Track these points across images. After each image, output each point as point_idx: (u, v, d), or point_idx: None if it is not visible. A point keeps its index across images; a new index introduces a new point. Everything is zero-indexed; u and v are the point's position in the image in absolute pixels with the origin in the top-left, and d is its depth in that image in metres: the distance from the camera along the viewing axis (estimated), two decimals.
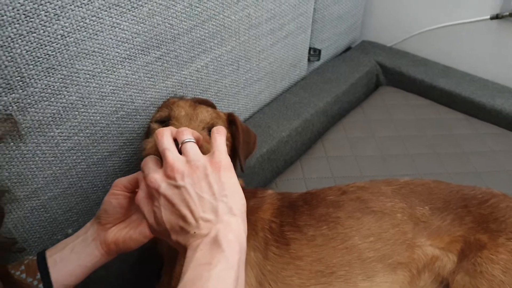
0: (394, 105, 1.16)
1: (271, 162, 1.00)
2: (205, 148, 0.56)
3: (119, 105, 0.71)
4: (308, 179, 0.96)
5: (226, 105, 0.96)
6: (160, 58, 0.74)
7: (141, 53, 0.70)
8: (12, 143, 0.60)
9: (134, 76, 0.71)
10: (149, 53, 0.71)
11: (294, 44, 1.08)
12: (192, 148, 0.50)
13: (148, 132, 0.75)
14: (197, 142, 0.52)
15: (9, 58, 0.54)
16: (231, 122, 0.75)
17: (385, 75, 1.28)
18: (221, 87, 0.91)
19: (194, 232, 0.45)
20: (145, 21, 0.68)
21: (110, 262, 0.63)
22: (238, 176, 0.80)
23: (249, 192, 0.76)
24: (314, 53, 1.20)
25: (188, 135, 0.52)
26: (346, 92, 1.19)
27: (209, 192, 0.47)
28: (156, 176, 0.48)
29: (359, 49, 1.34)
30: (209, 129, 0.68)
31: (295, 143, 1.06)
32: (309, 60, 1.21)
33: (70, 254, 0.59)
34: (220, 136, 0.52)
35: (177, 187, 0.47)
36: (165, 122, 0.69)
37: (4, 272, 0.38)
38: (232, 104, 0.98)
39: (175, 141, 0.52)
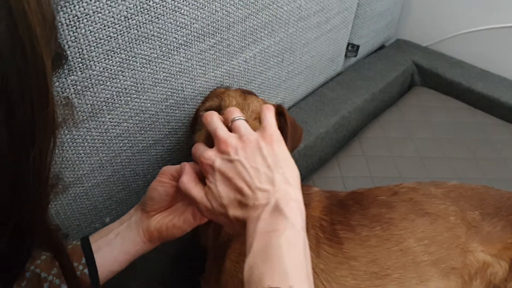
0: (431, 107, 1.13)
1: (307, 159, 0.98)
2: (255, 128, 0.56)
3: (169, 93, 0.69)
4: (346, 178, 0.94)
5: (266, 98, 0.93)
6: (214, 46, 0.71)
7: (196, 40, 0.67)
8: (65, 127, 0.58)
9: (187, 64, 0.68)
10: (204, 40, 0.69)
11: (336, 38, 1.05)
12: (242, 124, 0.51)
13: (195, 122, 0.73)
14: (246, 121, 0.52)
15: (73, 38, 0.51)
16: (279, 113, 0.73)
17: (420, 75, 1.26)
18: (265, 79, 0.89)
19: (254, 204, 0.45)
20: (205, 7, 0.65)
21: (151, 253, 0.61)
22: None
23: None
24: (352, 48, 1.17)
25: (237, 113, 0.53)
26: (383, 91, 1.16)
27: (264, 164, 0.47)
28: (210, 153, 0.49)
29: (394, 47, 1.31)
30: (260, 120, 0.66)
31: (331, 140, 1.04)
32: (346, 55, 1.18)
33: (114, 240, 0.58)
34: (269, 112, 0.53)
35: (231, 161, 0.47)
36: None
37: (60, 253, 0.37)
38: (272, 97, 0.95)
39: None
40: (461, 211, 0.68)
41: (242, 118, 0.52)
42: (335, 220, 0.66)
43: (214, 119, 0.53)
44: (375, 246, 0.62)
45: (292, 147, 0.73)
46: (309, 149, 0.97)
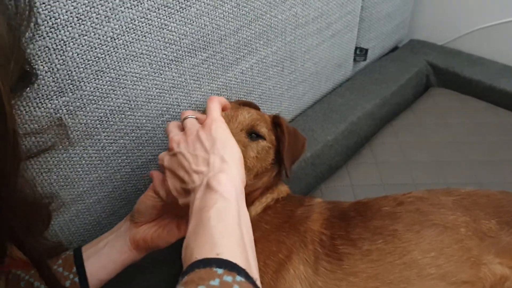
0: (448, 108, 1.09)
1: (315, 168, 0.96)
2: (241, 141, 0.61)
3: (165, 108, 0.70)
4: (356, 186, 0.91)
5: (269, 108, 0.93)
6: (207, 60, 0.72)
7: (188, 55, 0.68)
8: (61, 147, 0.60)
9: (180, 79, 0.69)
10: (196, 55, 0.69)
11: (340, 43, 1.04)
12: (189, 121, 0.56)
13: None
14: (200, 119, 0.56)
15: (61, 61, 0.53)
16: (276, 124, 0.72)
17: (436, 75, 1.21)
18: (265, 89, 0.89)
19: (192, 187, 0.48)
20: (193, 22, 0.66)
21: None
22: (284, 182, 0.77)
23: (296, 200, 0.73)
24: (360, 52, 1.14)
25: (187, 113, 0.58)
26: (395, 94, 1.13)
27: (202, 149, 0.50)
28: (161, 155, 0.56)
29: (407, 48, 1.27)
30: (249, 132, 0.66)
31: (341, 148, 1.02)
32: (355, 60, 1.16)
33: (103, 249, 0.60)
34: (212, 102, 0.56)
35: (175, 154, 0.52)
36: None
37: (40, 263, 0.39)
38: (276, 106, 0.95)
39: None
40: (473, 221, 0.63)
41: (191, 116, 0.57)
42: (336, 234, 0.64)
43: (170, 127, 0.58)
44: (376, 260, 0.59)
45: (293, 158, 0.72)
46: (316, 157, 0.95)
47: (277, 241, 0.63)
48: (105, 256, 0.60)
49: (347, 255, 0.60)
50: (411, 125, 1.05)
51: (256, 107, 0.83)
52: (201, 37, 0.68)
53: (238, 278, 0.37)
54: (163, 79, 0.67)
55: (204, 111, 0.75)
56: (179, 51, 0.66)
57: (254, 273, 0.40)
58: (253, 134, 0.67)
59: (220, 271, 0.37)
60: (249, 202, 0.69)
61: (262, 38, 0.80)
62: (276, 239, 0.63)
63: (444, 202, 0.66)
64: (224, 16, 0.70)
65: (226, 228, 0.42)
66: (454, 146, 0.97)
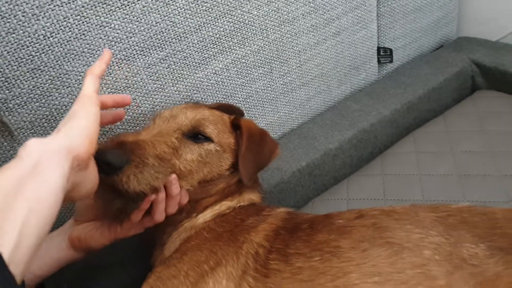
0: (490, 113, 0.89)
1: (314, 179, 0.86)
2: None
3: (122, 109, 0.69)
4: (351, 201, 0.79)
5: (261, 113, 0.86)
6: (165, 59, 0.69)
7: (140, 54, 0.67)
8: (5, 143, 0.62)
9: (135, 78, 0.68)
10: (151, 54, 0.68)
11: (351, 42, 0.93)
12: None
13: None
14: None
15: None
16: (236, 126, 0.66)
17: (484, 77, 1.01)
18: (251, 92, 0.83)
19: None
20: (140, 19, 0.64)
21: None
22: (258, 192, 0.70)
23: (254, 210, 0.65)
24: (384, 53, 1.02)
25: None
26: (425, 98, 0.97)
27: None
28: None
29: (450, 46, 1.09)
30: (191, 133, 0.61)
31: (349, 158, 0.90)
32: (379, 62, 1.03)
33: (43, 244, 0.59)
34: (85, 77, 0.52)
35: None
36: None
37: None
38: (270, 112, 0.88)
39: None
40: (451, 244, 0.49)
41: None
42: (274, 247, 0.55)
43: None
44: (305, 280, 0.48)
45: (256, 164, 0.65)
46: (314, 167, 0.85)
47: (209, 251, 0.56)
48: (45, 252, 0.59)
49: (276, 272, 0.51)
50: (437, 133, 0.88)
51: (236, 111, 0.78)
52: (153, 35, 0.66)
53: None
54: (113, 78, 0.66)
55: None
56: (127, 49, 0.65)
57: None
58: (200, 136, 0.62)
59: None
60: (199, 209, 0.64)
61: (235, 36, 0.75)
62: (210, 248, 0.57)
63: (419, 218, 0.53)
64: (179, 12, 0.67)
65: None
66: (486, 157, 0.79)
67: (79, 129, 0.45)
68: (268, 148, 0.67)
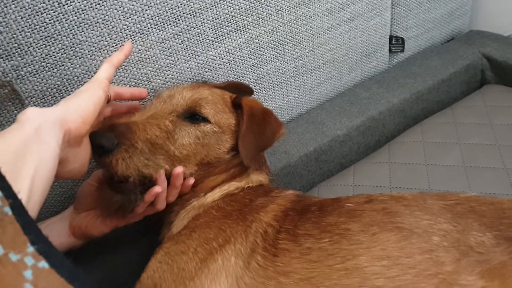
0: (498, 107, 0.89)
1: (320, 164, 0.86)
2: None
3: (133, 83, 0.68)
4: (357, 187, 0.79)
5: (271, 96, 0.86)
6: (179, 35, 0.68)
7: (155, 28, 0.66)
8: (16, 111, 0.62)
9: (148, 53, 0.67)
10: (165, 28, 0.67)
11: (364, 29, 0.92)
12: None
13: None
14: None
15: (4, 23, 0.54)
16: (237, 105, 0.65)
17: (493, 71, 1.01)
18: (262, 73, 0.82)
19: None
20: None
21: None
22: (266, 174, 0.70)
23: (263, 190, 0.65)
24: (396, 42, 1.01)
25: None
26: (434, 90, 0.96)
27: None
28: None
29: (462, 39, 1.08)
30: (187, 113, 0.61)
31: (356, 145, 0.90)
32: (391, 50, 1.02)
33: (43, 230, 0.59)
34: (102, 64, 0.56)
35: None
36: None
37: None
38: (280, 95, 0.87)
39: None
40: (459, 231, 0.49)
41: None
42: (283, 227, 0.55)
43: None
44: (314, 261, 0.49)
45: (257, 144, 0.64)
46: (322, 153, 0.85)
47: (218, 229, 0.56)
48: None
49: (285, 251, 0.51)
50: (445, 124, 0.88)
51: (247, 90, 0.77)
52: (168, 9, 0.65)
53: None
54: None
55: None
56: (142, 22, 0.64)
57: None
58: (197, 116, 0.61)
59: None
60: (207, 189, 0.63)
61: (250, 15, 0.74)
62: (219, 226, 0.57)
63: (427, 205, 0.53)
64: None
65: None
66: (492, 150, 0.79)
67: (76, 107, 0.48)
68: (271, 129, 0.65)
